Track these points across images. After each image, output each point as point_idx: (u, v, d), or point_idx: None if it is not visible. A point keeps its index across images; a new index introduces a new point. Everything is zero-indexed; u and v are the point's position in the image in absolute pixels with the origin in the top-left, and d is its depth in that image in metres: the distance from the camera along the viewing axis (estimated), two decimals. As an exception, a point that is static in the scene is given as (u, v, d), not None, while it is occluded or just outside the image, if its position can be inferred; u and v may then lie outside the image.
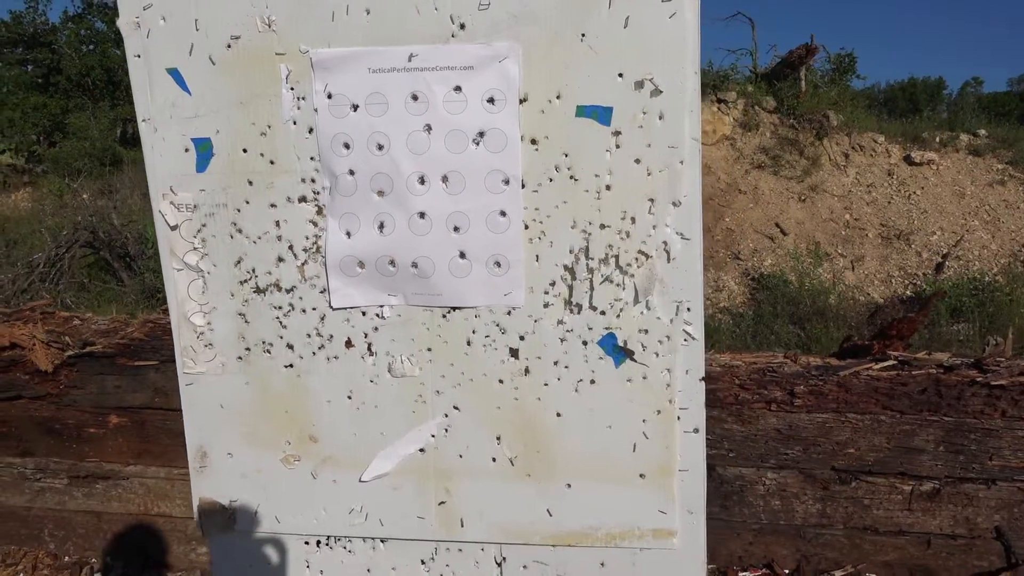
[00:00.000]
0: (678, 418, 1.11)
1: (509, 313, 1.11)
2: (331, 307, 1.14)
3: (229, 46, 1.06)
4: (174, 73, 1.08)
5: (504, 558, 1.20)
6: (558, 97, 1.04)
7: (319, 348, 1.15)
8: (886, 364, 2.50)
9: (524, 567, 1.19)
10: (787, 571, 2.56)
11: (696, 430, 1.11)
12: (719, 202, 9.37)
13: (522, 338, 1.11)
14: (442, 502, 1.18)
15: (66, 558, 2.92)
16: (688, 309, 1.08)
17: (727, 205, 9.35)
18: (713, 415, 2.52)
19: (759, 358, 2.63)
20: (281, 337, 1.16)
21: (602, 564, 1.17)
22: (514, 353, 1.12)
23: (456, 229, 1.08)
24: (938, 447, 2.42)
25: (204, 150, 1.09)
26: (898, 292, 8.09)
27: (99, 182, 11.02)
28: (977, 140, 10.29)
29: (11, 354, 2.77)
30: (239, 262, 1.14)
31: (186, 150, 1.10)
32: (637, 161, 1.04)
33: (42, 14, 15.59)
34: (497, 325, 1.11)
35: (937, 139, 10.22)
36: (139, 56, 1.08)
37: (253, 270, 1.14)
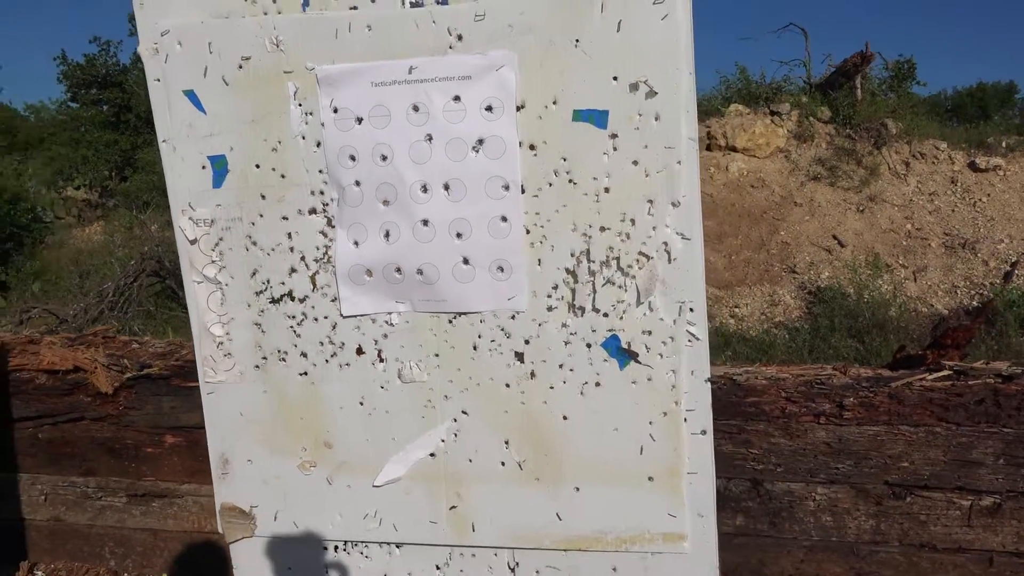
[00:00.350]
0: (685, 420, 1.10)
1: (513, 317, 1.12)
2: (342, 315, 1.17)
3: (240, 67, 1.11)
4: (190, 95, 1.14)
5: (517, 563, 1.20)
6: (554, 103, 1.05)
7: (332, 356, 1.19)
8: (940, 374, 2.40)
9: (537, 572, 1.19)
10: (841, 590, 2.47)
11: (704, 432, 1.10)
12: (774, 215, 9.21)
13: (527, 342, 1.12)
14: (453, 507, 1.19)
15: (125, 575, 3.01)
16: (691, 310, 1.07)
17: (782, 218, 9.18)
18: (760, 428, 2.47)
19: (807, 370, 2.56)
20: (296, 346, 1.19)
21: (614, 569, 1.16)
22: (519, 357, 1.13)
23: (459, 235, 1.10)
24: (998, 460, 2.31)
25: (220, 167, 1.15)
26: (963, 303, 7.78)
27: (166, 214, 11.45)
28: (1047, 143, 9.87)
29: (74, 377, 2.89)
30: (254, 273, 1.18)
31: (203, 167, 1.16)
32: (635, 163, 1.05)
33: (113, 56, 16.43)
34: (502, 329, 1.13)
35: (1004, 144, 9.83)
36: (159, 80, 1.14)
37: (268, 281, 1.18)
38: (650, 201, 1.06)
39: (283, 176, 1.14)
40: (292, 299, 1.18)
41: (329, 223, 1.14)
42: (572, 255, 1.09)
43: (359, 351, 1.18)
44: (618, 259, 1.08)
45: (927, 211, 9.16)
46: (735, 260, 8.74)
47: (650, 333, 1.09)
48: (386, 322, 1.16)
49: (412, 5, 1.06)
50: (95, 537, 2.97)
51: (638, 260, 1.07)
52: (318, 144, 1.12)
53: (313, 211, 1.15)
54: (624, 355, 1.10)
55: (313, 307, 1.18)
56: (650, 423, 1.11)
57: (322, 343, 1.18)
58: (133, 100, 15.48)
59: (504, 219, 1.09)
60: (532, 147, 1.07)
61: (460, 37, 1.06)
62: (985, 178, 9.43)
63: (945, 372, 2.34)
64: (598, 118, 1.05)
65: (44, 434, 2.83)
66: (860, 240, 8.90)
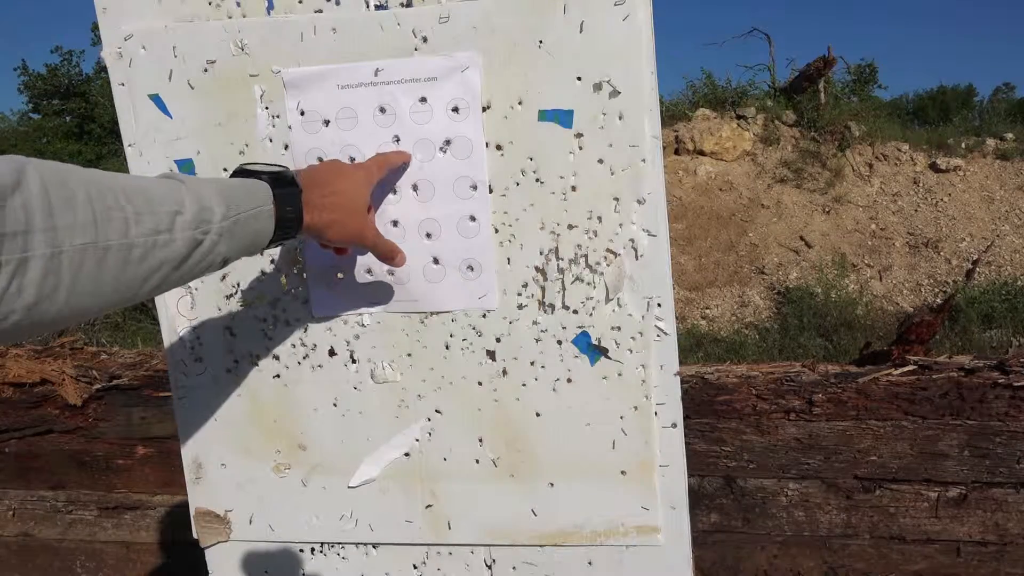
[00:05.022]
0: (655, 414, 1.11)
1: (484, 316, 1.13)
2: (313, 317, 1.17)
3: (206, 70, 1.11)
4: (155, 99, 1.13)
5: (494, 560, 1.21)
6: (520, 103, 1.07)
7: (304, 358, 1.19)
8: (906, 369, 2.45)
9: (514, 568, 1.20)
10: (815, 583, 2.51)
11: (674, 425, 1.12)
12: (741, 217, 9.32)
13: (498, 340, 1.13)
14: (429, 505, 1.19)
15: (98, 590, 2.96)
16: (659, 305, 1.09)
17: (750, 220, 9.30)
18: (732, 426, 2.50)
19: (776, 368, 2.60)
20: (267, 348, 1.19)
21: (590, 563, 1.17)
22: (491, 355, 1.14)
23: (428, 236, 1.11)
24: (963, 451, 2.37)
25: (186, 170, 1.14)
26: (928, 300, 7.94)
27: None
28: (1005, 144, 10.12)
29: (42, 390, 2.85)
30: (224, 277, 1.18)
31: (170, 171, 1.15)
32: (600, 161, 1.07)
33: (76, 66, 16.22)
34: (473, 328, 1.14)
35: (963, 145, 10.07)
36: (123, 84, 1.14)
37: (237, 284, 1.18)
38: (616, 199, 1.07)
39: (252, 179, 1.14)
40: (263, 302, 1.18)
41: (299, 225, 1.14)
42: (541, 253, 1.10)
43: (331, 352, 1.18)
44: (586, 256, 1.09)
45: (891, 211, 9.34)
46: (705, 262, 8.84)
47: (619, 329, 1.10)
48: (358, 323, 1.16)
49: (377, 8, 1.07)
50: (65, 552, 2.92)
51: (606, 257, 1.09)
52: (286, 147, 1.12)
53: (282, 214, 1.14)
54: (594, 351, 1.11)
55: (284, 310, 1.18)
56: (621, 418, 1.12)
57: (294, 345, 1.18)
58: (97, 110, 15.28)
59: (473, 219, 1.10)
60: (499, 147, 1.08)
61: (425, 39, 1.07)
62: (946, 178, 9.64)
63: (910, 367, 2.39)
64: (563, 118, 1.06)
65: (11, 448, 2.78)
66: (826, 241, 9.05)
